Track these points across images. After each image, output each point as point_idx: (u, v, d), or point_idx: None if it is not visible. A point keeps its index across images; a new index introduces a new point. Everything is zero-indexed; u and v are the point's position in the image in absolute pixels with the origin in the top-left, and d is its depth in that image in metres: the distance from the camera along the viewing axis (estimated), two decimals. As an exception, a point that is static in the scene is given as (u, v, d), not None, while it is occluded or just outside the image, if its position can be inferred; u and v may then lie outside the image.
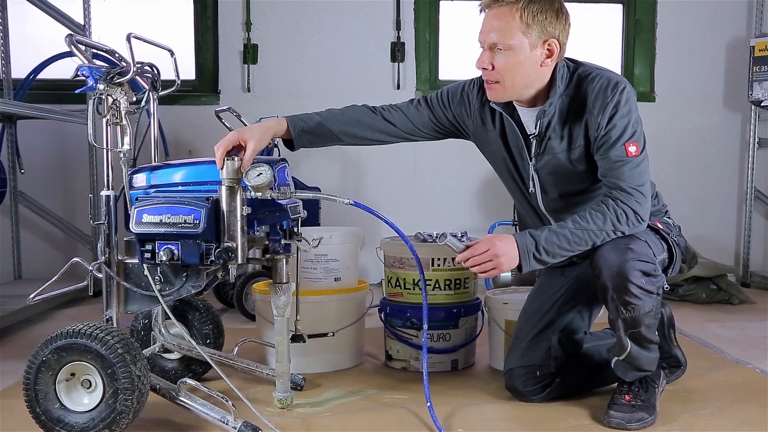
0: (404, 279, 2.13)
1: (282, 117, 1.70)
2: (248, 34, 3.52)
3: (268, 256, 1.66)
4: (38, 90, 3.27)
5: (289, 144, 1.72)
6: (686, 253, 2.55)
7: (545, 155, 1.61)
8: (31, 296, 1.59)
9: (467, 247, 1.54)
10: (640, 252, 1.48)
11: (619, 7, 3.66)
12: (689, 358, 1.96)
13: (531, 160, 1.63)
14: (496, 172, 1.76)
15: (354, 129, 1.72)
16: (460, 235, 2.31)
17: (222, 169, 1.51)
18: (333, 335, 2.06)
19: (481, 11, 1.53)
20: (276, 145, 2.99)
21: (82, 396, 1.49)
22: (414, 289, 2.12)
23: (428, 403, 1.58)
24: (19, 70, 3.25)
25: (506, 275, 3.06)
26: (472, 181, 3.66)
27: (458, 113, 1.74)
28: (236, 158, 1.51)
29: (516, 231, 1.68)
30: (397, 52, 3.56)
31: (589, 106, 1.53)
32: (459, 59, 3.58)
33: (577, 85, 1.56)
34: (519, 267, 1.52)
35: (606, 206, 1.51)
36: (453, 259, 2.14)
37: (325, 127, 1.70)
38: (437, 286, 2.10)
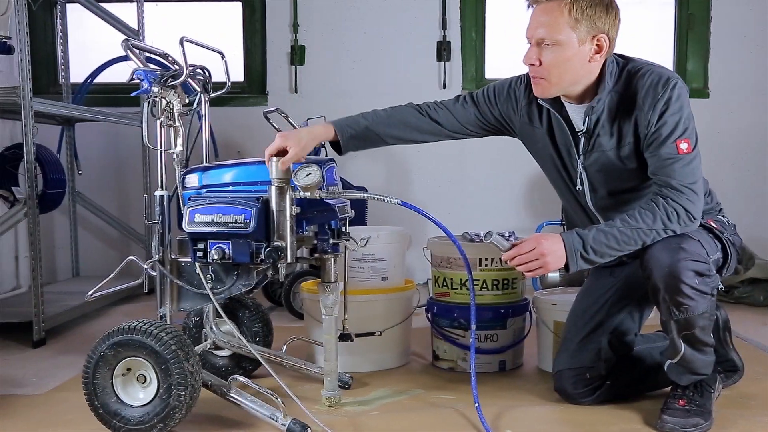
0: (451, 279, 2.13)
1: (329, 122, 1.72)
2: (295, 36, 3.55)
3: (316, 255, 1.67)
4: (95, 93, 3.36)
5: (337, 147, 1.74)
6: (742, 254, 2.48)
7: (594, 152, 1.60)
8: (90, 293, 1.63)
9: (513, 245, 1.52)
10: (692, 251, 1.46)
11: (670, 2, 3.59)
12: (746, 363, 1.91)
13: (579, 158, 1.62)
14: (543, 171, 1.75)
15: (400, 131, 1.73)
16: (507, 234, 2.30)
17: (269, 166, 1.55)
18: (380, 334, 2.08)
19: (528, 6, 1.53)
20: (323, 145, 3.02)
21: (137, 390, 1.52)
22: (461, 289, 2.12)
23: (476, 404, 1.59)
24: (78, 74, 3.37)
25: (554, 275, 3.03)
26: (519, 180, 3.62)
27: (505, 110, 1.72)
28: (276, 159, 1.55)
29: (564, 231, 1.68)
30: (443, 51, 3.55)
31: (639, 102, 1.52)
32: (506, 57, 3.57)
33: (627, 81, 1.55)
34: (566, 267, 1.51)
35: (656, 204, 1.50)
36: (500, 258, 2.11)
37: (372, 131, 1.72)
38: (485, 286, 2.11)
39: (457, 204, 3.66)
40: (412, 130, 1.73)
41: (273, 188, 1.54)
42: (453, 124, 1.75)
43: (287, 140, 1.60)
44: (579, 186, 1.66)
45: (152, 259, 1.62)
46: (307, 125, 1.62)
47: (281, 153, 1.57)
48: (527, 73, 1.64)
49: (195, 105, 1.77)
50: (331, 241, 1.67)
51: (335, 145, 1.74)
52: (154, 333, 1.51)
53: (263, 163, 1.60)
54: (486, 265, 2.11)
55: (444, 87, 3.58)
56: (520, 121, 1.72)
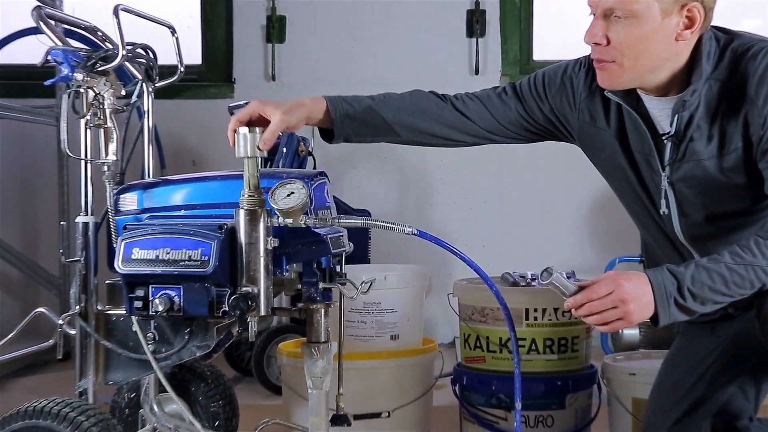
0: (487, 337, 2.15)
1: (320, 96, 1.68)
2: (273, 3, 3.56)
3: (300, 305, 1.66)
4: (-9, 79, 3.33)
5: (327, 134, 1.73)
6: None
7: (685, 163, 1.58)
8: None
9: (581, 288, 1.51)
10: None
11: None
12: None
13: (664, 171, 1.61)
14: (613, 188, 1.75)
15: (416, 120, 1.74)
16: (566, 275, 2.31)
17: (235, 146, 1.54)
18: (389, 416, 2.11)
19: None
20: (311, 153, 3.03)
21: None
22: (501, 351, 2.14)
23: None
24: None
25: (632, 332, 3.01)
26: (580, 200, 3.62)
27: (558, 105, 1.72)
28: (257, 130, 1.54)
29: (645, 269, 1.64)
30: (475, 23, 3.54)
31: (751, 93, 1.49)
32: (561, 32, 3.55)
33: (732, 65, 1.52)
34: (654, 318, 1.48)
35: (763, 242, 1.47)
36: (556, 309, 2.12)
37: (378, 114, 1.72)
38: (534, 347, 2.12)
39: (494, 233, 3.65)
40: (431, 120, 1.73)
41: (242, 213, 1.54)
42: (487, 121, 1.75)
43: (266, 105, 1.58)
44: (664, 209, 1.64)
45: (70, 312, 1.62)
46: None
47: (254, 125, 1.56)
48: (589, 56, 1.61)
49: (134, 98, 1.77)
50: (321, 285, 1.66)
51: (326, 131, 1.73)
52: (70, 417, 1.50)
53: (228, 178, 1.61)
54: (536, 318, 2.11)
55: (476, 72, 3.58)
56: (579, 120, 1.71)
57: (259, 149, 1.53)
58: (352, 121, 1.70)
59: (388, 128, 1.72)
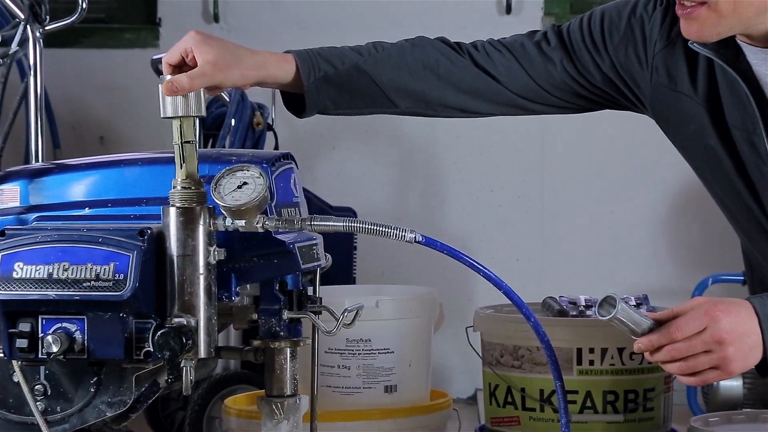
0: (522, 389, 2.16)
1: (288, 52, 1.69)
2: None
3: (256, 343, 1.65)
4: None
5: (296, 103, 1.76)
6: None
7: None
8: None
9: (658, 323, 1.52)
10: None
11: None
12: None
13: None
14: (700, 178, 1.77)
15: (420, 83, 1.76)
16: (634, 302, 2.30)
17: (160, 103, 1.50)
18: None
19: None
20: (271, 127, 3.03)
21: None
22: (543, 410, 2.15)
23: None
24: None
25: (733, 384, 3.02)
26: (659, 197, 3.64)
27: (622, 60, 1.72)
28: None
29: (752, 294, 1.67)
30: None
31: None
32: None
33: None
34: (762, 366, 1.50)
35: None
36: (622, 349, 2.13)
37: (368, 76, 1.75)
38: (590, 404, 2.14)
39: (533, 242, 3.68)
40: (442, 84, 1.75)
41: (172, 212, 1.54)
42: (521, 83, 1.76)
43: (206, 41, 1.58)
44: None
45: None
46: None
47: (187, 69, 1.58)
48: None
49: (14, 46, 1.76)
50: (287, 315, 1.65)
51: (294, 100, 1.75)
52: None
53: (154, 162, 1.59)
54: (592, 361, 2.13)
55: (508, 11, 3.63)
56: (653, 83, 1.72)
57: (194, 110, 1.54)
58: (332, 87, 1.72)
59: (382, 96, 1.75)
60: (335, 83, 1.71)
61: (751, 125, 1.63)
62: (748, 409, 2.63)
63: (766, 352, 1.46)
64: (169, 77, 1.54)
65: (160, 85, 1.54)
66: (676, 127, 1.72)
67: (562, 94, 1.76)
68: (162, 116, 1.55)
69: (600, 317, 1.48)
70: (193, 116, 1.54)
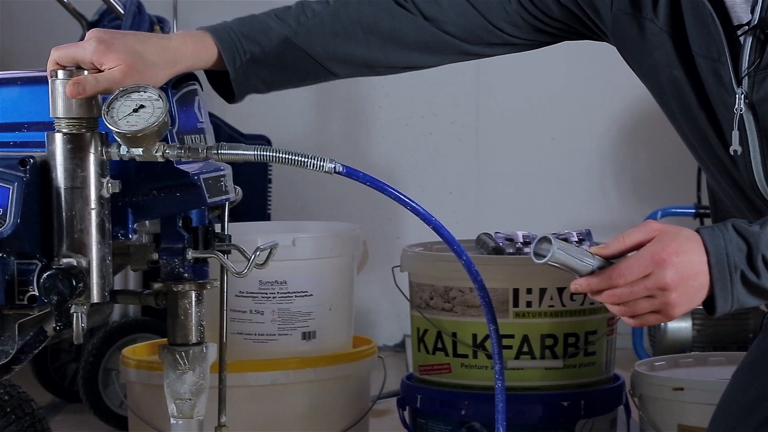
0: (454, 335, 2.18)
1: (203, 30, 1.66)
2: None
3: (158, 285, 1.65)
4: None
5: (224, 88, 1.74)
6: None
7: None
8: None
9: (608, 261, 1.53)
10: None
11: None
12: None
13: (739, 85, 1.64)
14: (663, 110, 1.78)
15: (359, 47, 1.75)
16: (576, 238, 2.32)
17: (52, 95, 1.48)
18: None
19: None
20: (194, 78, 2.98)
21: None
22: (476, 356, 2.17)
23: None
24: None
25: (681, 325, 3.06)
26: (602, 125, 3.66)
27: None
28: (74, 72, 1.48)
29: (703, 226, 1.65)
30: None
31: None
32: None
33: None
34: (710, 304, 1.51)
35: None
36: (562, 289, 2.15)
37: (300, 49, 1.74)
38: (527, 349, 2.16)
39: (467, 174, 3.69)
40: (383, 43, 1.75)
41: (58, 139, 1.52)
42: (473, 28, 1.76)
43: (109, 48, 1.55)
44: (735, 146, 1.66)
45: None
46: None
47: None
48: None
49: None
50: (191, 254, 1.64)
51: (220, 81, 1.73)
52: None
53: (36, 82, 1.56)
54: (529, 303, 2.15)
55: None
56: (614, 9, 1.72)
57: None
58: (261, 68, 1.72)
59: (318, 68, 1.74)
60: (264, 63, 1.70)
61: (716, 53, 1.63)
62: (697, 352, 2.69)
63: (713, 291, 1.48)
64: (62, 77, 1.51)
65: (56, 82, 1.51)
66: (639, 56, 1.73)
67: (518, 32, 1.75)
68: (52, 115, 1.52)
69: (537, 257, 1.46)
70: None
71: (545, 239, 1.44)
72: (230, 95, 1.72)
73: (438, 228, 1.54)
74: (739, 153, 1.65)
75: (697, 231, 1.49)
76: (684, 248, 1.47)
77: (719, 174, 1.73)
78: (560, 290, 2.16)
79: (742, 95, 1.62)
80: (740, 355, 2.35)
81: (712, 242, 1.48)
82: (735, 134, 1.64)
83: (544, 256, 1.44)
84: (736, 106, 1.63)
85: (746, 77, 1.62)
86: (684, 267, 1.46)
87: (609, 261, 1.46)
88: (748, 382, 1.77)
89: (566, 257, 1.45)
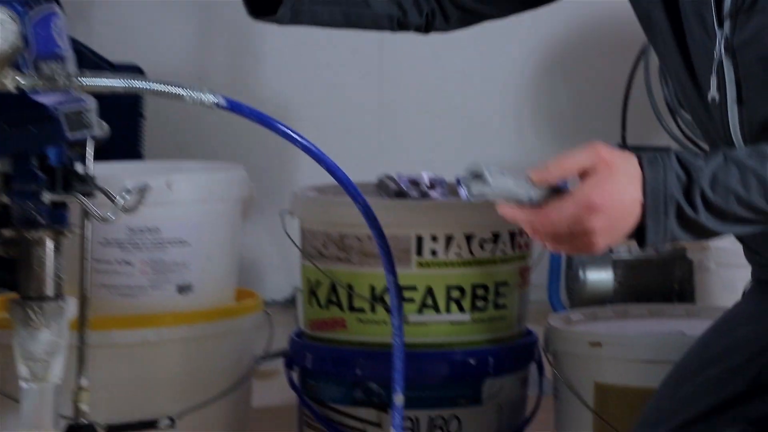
0: (349, 287, 2.18)
1: None
2: None
3: (9, 232, 1.63)
4: None
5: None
6: None
7: (758, 14, 1.66)
8: None
9: (554, 192, 1.54)
10: None
11: None
12: None
13: (720, 28, 1.69)
14: (650, 43, 1.90)
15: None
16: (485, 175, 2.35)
17: None
18: (172, 425, 2.11)
19: None
20: None
21: None
22: (374, 310, 2.18)
23: None
24: None
25: (600, 276, 3.06)
26: (518, 57, 3.67)
27: None
28: None
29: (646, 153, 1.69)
30: None
31: None
32: None
33: None
34: (641, 234, 1.55)
35: None
36: (470, 237, 2.14)
37: None
38: (431, 302, 2.16)
39: (368, 111, 3.72)
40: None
41: None
42: None
43: None
44: (713, 92, 1.72)
45: None
46: None
47: None
48: None
49: None
50: (48, 197, 1.62)
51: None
52: None
53: None
54: (434, 251, 2.14)
55: None
56: None
57: None
58: None
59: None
60: None
61: None
62: (617, 304, 2.71)
63: (645, 221, 1.52)
64: None
65: None
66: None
67: None
68: None
69: (470, 194, 1.49)
70: None
71: (476, 171, 1.47)
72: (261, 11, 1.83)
73: (332, 168, 1.56)
74: (716, 100, 1.70)
75: (639, 161, 1.53)
76: (620, 189, 1.53)
77: (702, 119, 1.80)
78: (468, 237, 2.14)
79: (721, 39, 1.67)
80: (664, 307, 2.41)
81: (651, 172, 1.52)
82: (712, 80, 1.70)
83: (480, 188, 1.47)
84: (715, 51, 1.69)
85: (728, 19, 1.66)
86: (615, 211, 1.52)
87: (548, 190, 1.52)
88: (707, 342, 1.87)
89: (503, 189, 1.50)
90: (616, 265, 2.97)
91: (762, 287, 1.91)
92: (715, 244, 3.04)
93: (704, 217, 1.53)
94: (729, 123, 1.72)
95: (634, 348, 2.06)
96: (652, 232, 1.53)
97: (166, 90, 1.51)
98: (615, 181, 1.53)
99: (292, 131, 1.53)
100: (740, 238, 1.86)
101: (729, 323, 1.89)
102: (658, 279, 2.99)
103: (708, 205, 1.53)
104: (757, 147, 1.58)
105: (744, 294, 1.97)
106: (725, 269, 2.94)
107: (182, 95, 1.51)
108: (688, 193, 1.53)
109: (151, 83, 1.52)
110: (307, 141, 1.54)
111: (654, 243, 1.55)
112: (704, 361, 1.84)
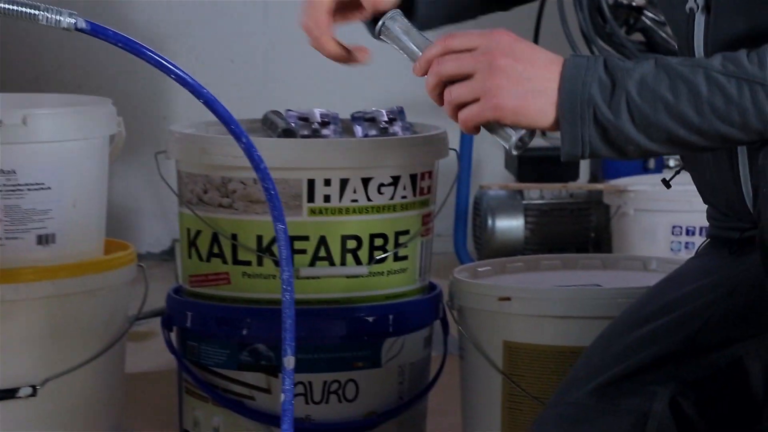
0: (235, 236, 2.16)
1: None
2: None
3: None
4: None
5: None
6: None
7: None
8: None
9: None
10: None
11: None
12: None
13: None
14: None
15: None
16: (386, 117, 2.30)
17: None
18: (34, 394, 2.09)
19: None
20: None
21: None
22: (262, 263, 2.16)
23: None
24: None
25: (511, 223, 3.06)
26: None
27: None
28: None
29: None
30: None
31: None
32: None
33: None
34: (556, 125, 1.57)
35: None
36: (368, 180, 2.11)
37: None
38: (324, 253, 2.15)
39: (253, 39, 3.71)
40: None
41: None
42: None
43: None
44: (691, 2, 1.75)
45: None
46: None
47: None
48: None
49: None
50: None
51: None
52: None
53: None
54: (328, 197, 2.13)
55: None
56: None
57: None
58: None
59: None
60: None
61: None
62: (528, 256, 2.72)
63: (560, 126, 1.55)
64: None
65: None
66: None
67: None
68: None
69: (378, 36, 1.65)
70: None
71: (396, 14, 1.66)
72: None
73: (211, 102, 1.51)
74: (692, 10, 1.73)
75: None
76: (532, 49, 1.61)
77: (681, 32, 1.81)
78: (365, 181, 2.11)
79: None
80: (579, 258, 2.40)
81: (571, 68, 1.57)
82: None
83: (391, 27, 1.63)
84: None
85: None
86: (525, 57, 1.59)
87: None
88: (651, 297, 1.90)
89: (413, 35, 1.65)
90: (528, 211, 2.97)
91: (714, 244, 1.93)
92: (634, 186, 3.05)
93: (628, 126, 1.55)
94: (700, 36, 1.74)
95: (546, 302, 2.07)
96: (568, 140, 1.55)
97: (16, 10, 1.46)
98: (529, 46, 1.59)
99: (164, 59, 1.47)
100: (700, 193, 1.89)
101: (672, 281, 1.91)
102: (572, 226, 3.01)
103: (630, 113, 1.55)
104: (694, 58, 1.61)
105: (696, 252, 1.98)
106: (644, 215, 2.97)
107: (36, 16, 1.46)
108: (611, 96, 1.56)
109: (-2, 1, 1.47)
110: (182, 71, 1.47)
111: (571, 154, 1.56)
112: (641, 317, 1.86)
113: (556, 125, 1.57)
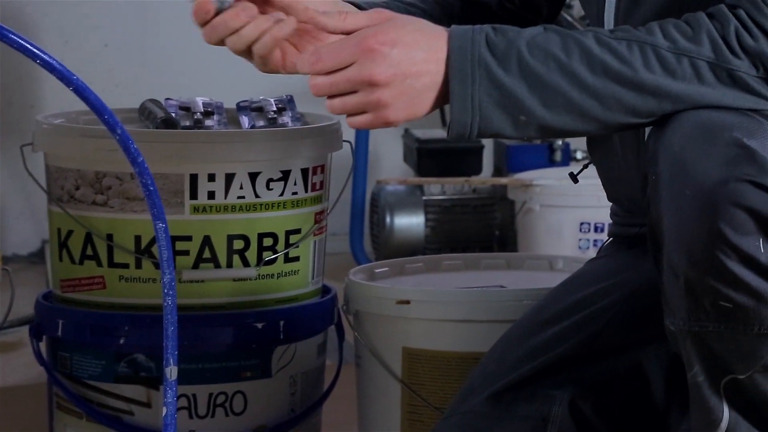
0: (110, 237, 2.17)
1: None
2: None
3: None
4: None
5: None
6: None
7: None
8: None
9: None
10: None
11: None
12: None
13: None
14: None
15: None
16: (274, 107, 2.31)
17: None
18: None
19: None
20: None
21: None
22: (140, 265, 2.17)
23: None
24: None
25: (410, 220, 3.10)
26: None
27: None
28: None
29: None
30: None
31: None
32: None
33: None
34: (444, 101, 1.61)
35: (712, 17, 1.61)
36: (256, 175, 2.13)
37: None
38: (209, 254, 2.17)
39: (130, 21, 3.71)
40: None
41: None
42: None
43: None
44: None
45: None
46: None
47: None
48: None
49: None
50: None
51: None
52: None
53: None
54: (212, 193, 2.14)
55: None
56: None
57: None
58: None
59: None
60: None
61: None
62: (429, 255, 2.75)
63: (451, 89, 1.58)
64: None
65: None
66: None
67: None
68: None
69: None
70: None
71: None
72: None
73: (81, 90, 1.49)
74: None
75: (452, 28, 1.62)
76: (407, 40, 1.61)
77: (592, 9, 1.88)
78: (252, 176, 2.12)
79: None
80: (482, 257, 2.43)
81: (458, 33, 1.60)
82: None
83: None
84: None
85: None
86: (401, 61, 1.60)
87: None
88: (550, 301, 1.95)
89: None
90: (428, 207, 2.98)
91: (616, 243, 1.99)
92: (540, 181, 3.08)
93: (521, 87, 1.59)
94: (610, 14, 1.80)
95: (446, 306, 2.09)
96: (457, 104, 1.58)
97: None
98: (401, 31, 1.61)
99: (28, 42, 1.46)
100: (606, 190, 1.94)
101: (573, 284, 1.95)
102: (476, 223, 3.02)
103: (522, 71, 1.59)
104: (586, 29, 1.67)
105: (598, 252, 2.04)
106: (550, 211, 2.99)
107: None
108: (503, 56, 1.59)
109: None
110: (49, 55, 1.46)
111: (461, 122, 1.59)
112: (539, 321, 1.89)
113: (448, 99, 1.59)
